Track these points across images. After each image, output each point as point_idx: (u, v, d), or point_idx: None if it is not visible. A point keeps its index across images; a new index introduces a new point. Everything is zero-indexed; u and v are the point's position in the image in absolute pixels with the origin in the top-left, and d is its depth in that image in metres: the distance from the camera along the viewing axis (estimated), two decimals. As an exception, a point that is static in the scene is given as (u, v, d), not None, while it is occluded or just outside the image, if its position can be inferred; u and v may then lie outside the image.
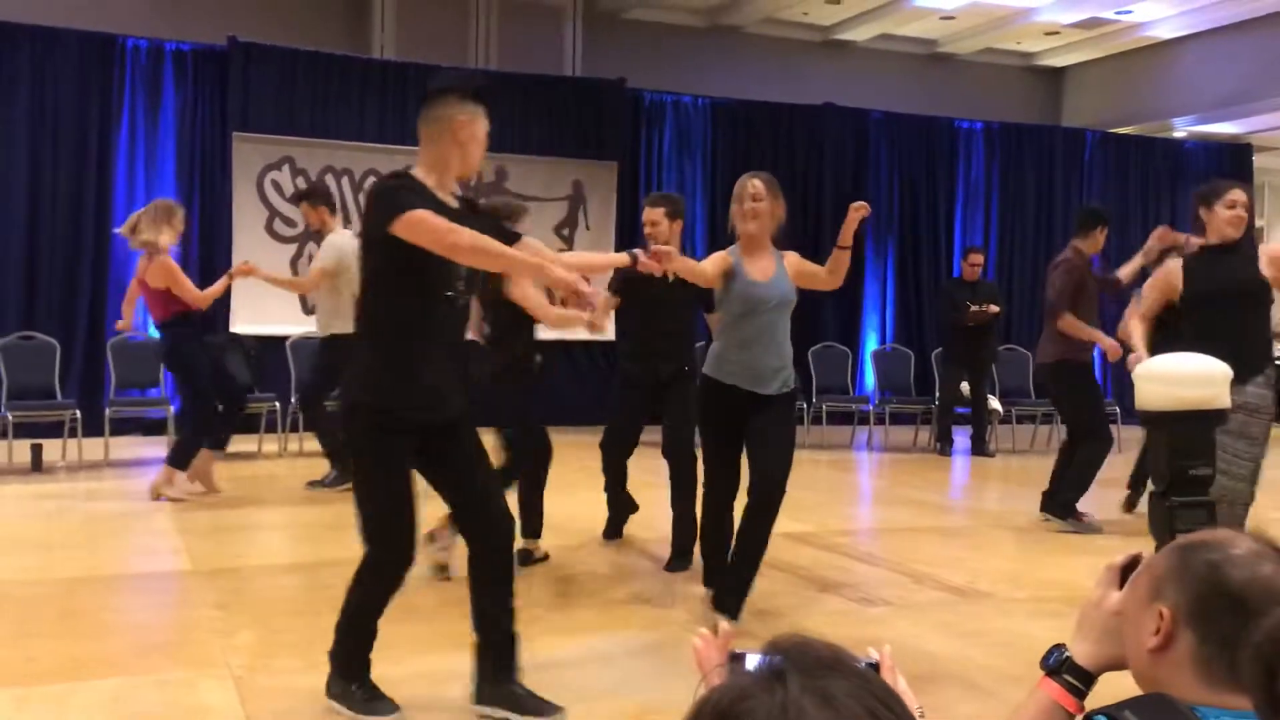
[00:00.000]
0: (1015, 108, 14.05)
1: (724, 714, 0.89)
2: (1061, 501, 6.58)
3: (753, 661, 1.10)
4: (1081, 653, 1.66)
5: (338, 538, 5.63)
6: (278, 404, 9.15)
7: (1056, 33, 13.16)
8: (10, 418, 8.05)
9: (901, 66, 13.64)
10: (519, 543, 5.11)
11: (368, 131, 10.70)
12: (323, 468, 7.25)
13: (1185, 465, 4.20)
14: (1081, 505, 6.58)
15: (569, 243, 11.46)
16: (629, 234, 11.51)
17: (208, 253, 10.19)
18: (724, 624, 1.19)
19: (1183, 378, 4.21)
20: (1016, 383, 11.05)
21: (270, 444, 9.07)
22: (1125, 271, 6.78)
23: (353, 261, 6.15)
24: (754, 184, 4.39)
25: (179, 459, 6.83)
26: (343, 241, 7.08)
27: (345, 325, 6.05)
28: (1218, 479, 4.31)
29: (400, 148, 10.85)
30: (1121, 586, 1.60)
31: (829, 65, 13.22)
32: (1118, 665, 1.57)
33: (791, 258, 4.52)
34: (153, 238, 6.67)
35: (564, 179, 11.46)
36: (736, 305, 4.31)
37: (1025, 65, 14.37)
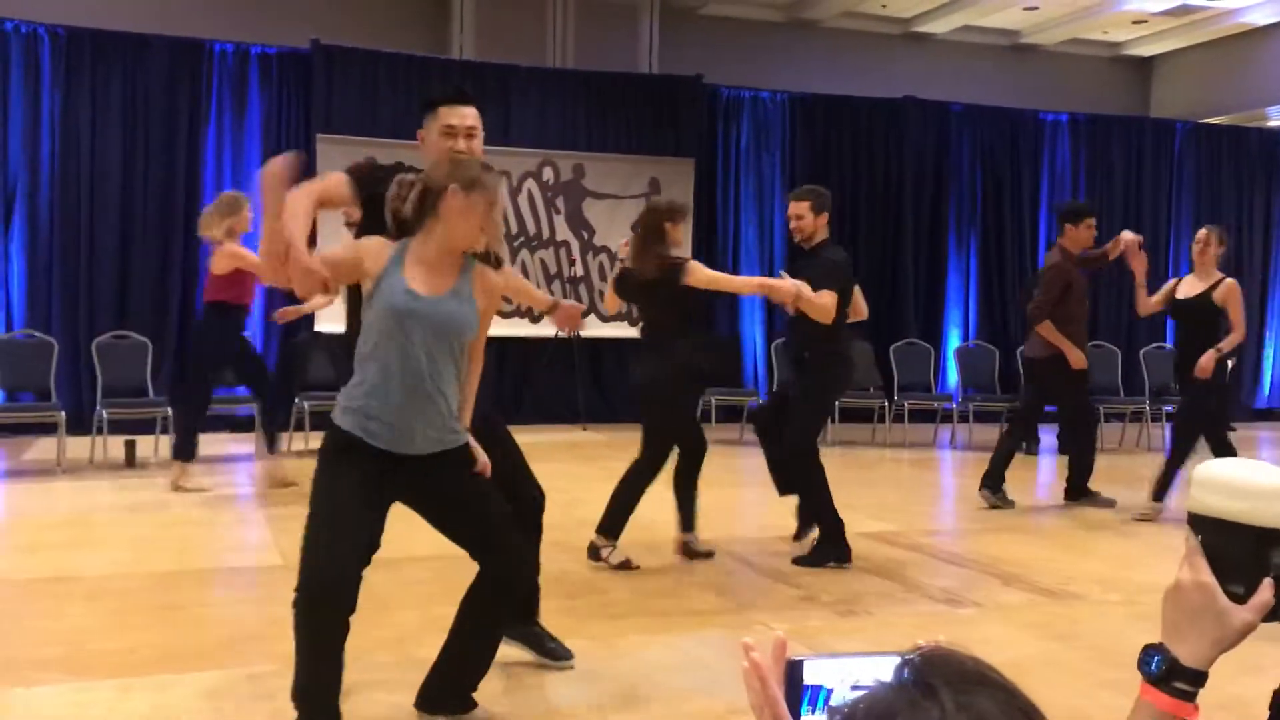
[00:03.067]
0: (1102, 99, 13.73)
1: None
2: (1079, 488, 7.13)
3: (868, 671, 1.05)
4: (1186, 653, 1.43)
5: (424, 534, 5.69)
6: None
7: (1144, 21, 12.84)
8: (105, 415, 8.28)
9: (983, 58, 13.41)
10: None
11: (448, 132, 10.79)
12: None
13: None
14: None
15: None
16: (706, 231, 11.49)
17: (293, 253, 10.36)
18: (777, 632, 1.10)
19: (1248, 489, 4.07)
20: (1104, 380, 10.81)
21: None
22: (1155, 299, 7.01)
23: None
24: None
25: (179, 450, 7.18)
26: None
27: None
28: None
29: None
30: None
31: (909, 58, 13.04)
32: (1227, 647, 1.38)
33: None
34: (207, 231, 6.99)
35: (641, 176, 11.46)
36: None
37: (1112, 55, 14.04)
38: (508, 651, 3.59)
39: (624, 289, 5.35)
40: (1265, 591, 1.22)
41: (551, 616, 4.08)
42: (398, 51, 10.77)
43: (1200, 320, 6.64)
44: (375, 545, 3.03)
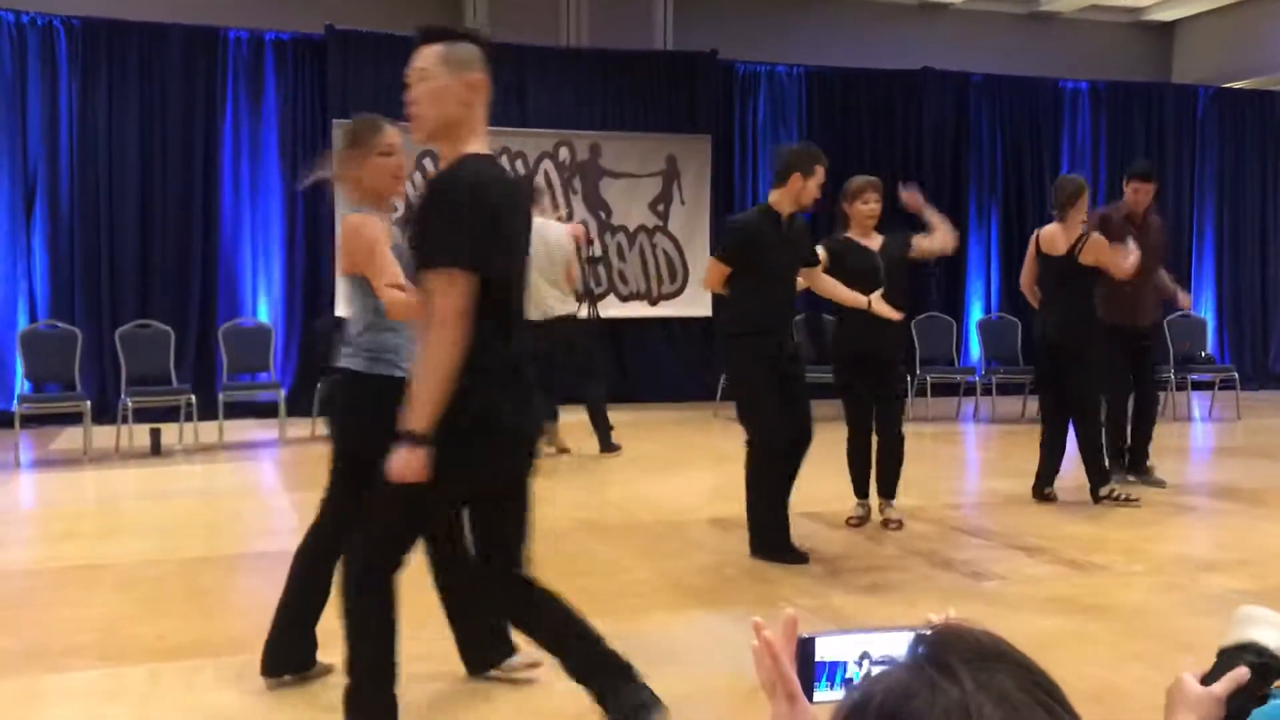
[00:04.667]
0: (1122, 65, 13.58)
1: (891, 717, 0.78)
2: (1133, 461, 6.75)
3: (873, 651, 1.04)
4: None
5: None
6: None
7: (1165, -15, 12.69)
8: (130, 403, 8.34)
9: (1002, 27, 13.29)
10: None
11: (464, 114, 10.80)
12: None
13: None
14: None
15: (664, 218, 11.44)
16: (724, 208, 11.45)
17: (312, 237, 10.41)
18: (787, 610, 1.09)
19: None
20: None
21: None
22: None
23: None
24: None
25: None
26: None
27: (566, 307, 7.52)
28: None
29: (496, 129, 10.94)
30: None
31: (926, 29, 12.94)
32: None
33: None
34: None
35: (658, 154, 11.42)
36: None
37: (1132, 21, 13.88)
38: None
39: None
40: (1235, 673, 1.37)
41: (575, 595, 4.09)
42: (412, 34, 10.72)
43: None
44: None
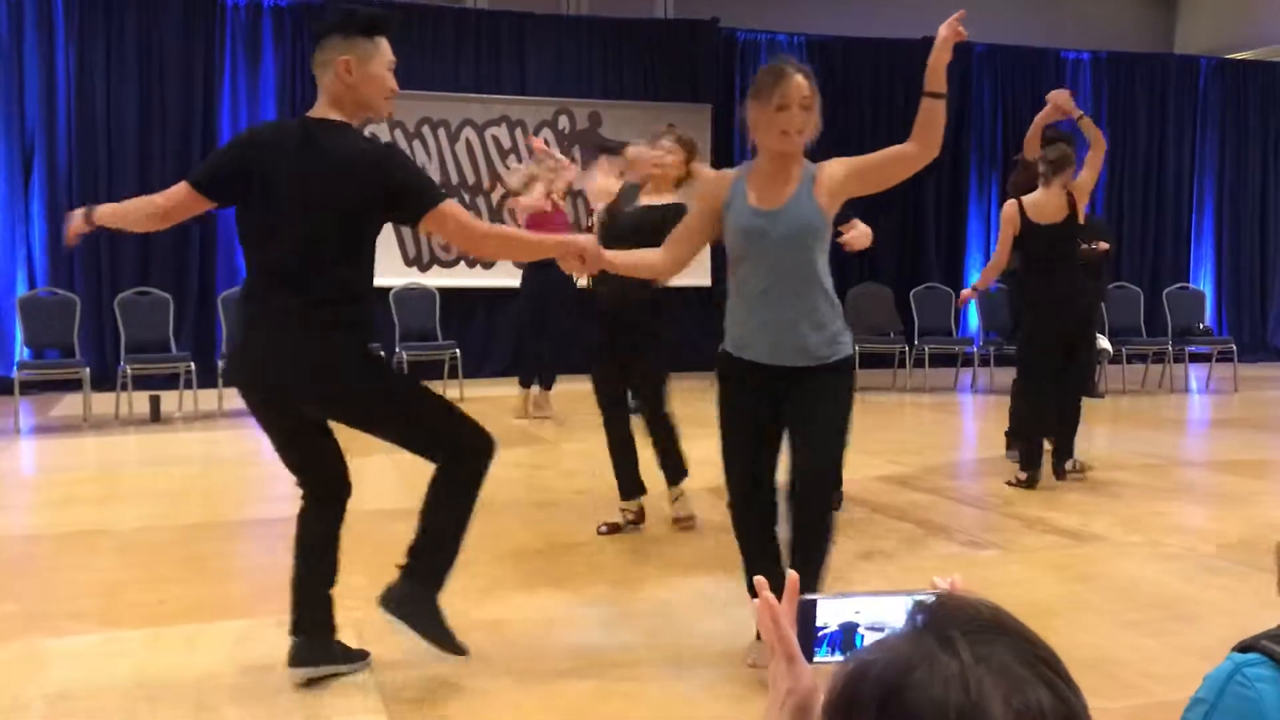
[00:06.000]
0: (1125, 36, 13.51)
1: (891, 688, 0.76)
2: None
3: (866, 614, 1.03)
4: None
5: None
6: (384, 353, 9.33)
7: (1169, -45, 12.60)
8: (129, 370, 8.34)
9: (1004, -3, 13.21)
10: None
11: (463, 82, 10.76)
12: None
13: None
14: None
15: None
16: (725, 177, 11.39)
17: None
18: (790, 572, 1.09)
19: None
20: (1127, 321, 10.74)
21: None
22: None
23: None
24: (800, 83, 3.15)
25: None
26: None
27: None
28: None
29: (496, 97, 10.92)
30: None
31: (928, -2, 12.85)
32: None
33: (832, 167, 3.23)
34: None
35: (658, 123, 11.28)
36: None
37: (1135, -10, 13.80)
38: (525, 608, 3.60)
39: None
40: None
41: (578, 564, 4.12)
42: (412, 2, 10.68)
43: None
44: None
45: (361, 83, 2.96)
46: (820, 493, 3.22)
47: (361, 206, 2.95)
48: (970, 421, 9.15)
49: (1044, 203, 5.94)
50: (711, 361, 3.38)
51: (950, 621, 0.80)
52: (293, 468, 3.23)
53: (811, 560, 3.15)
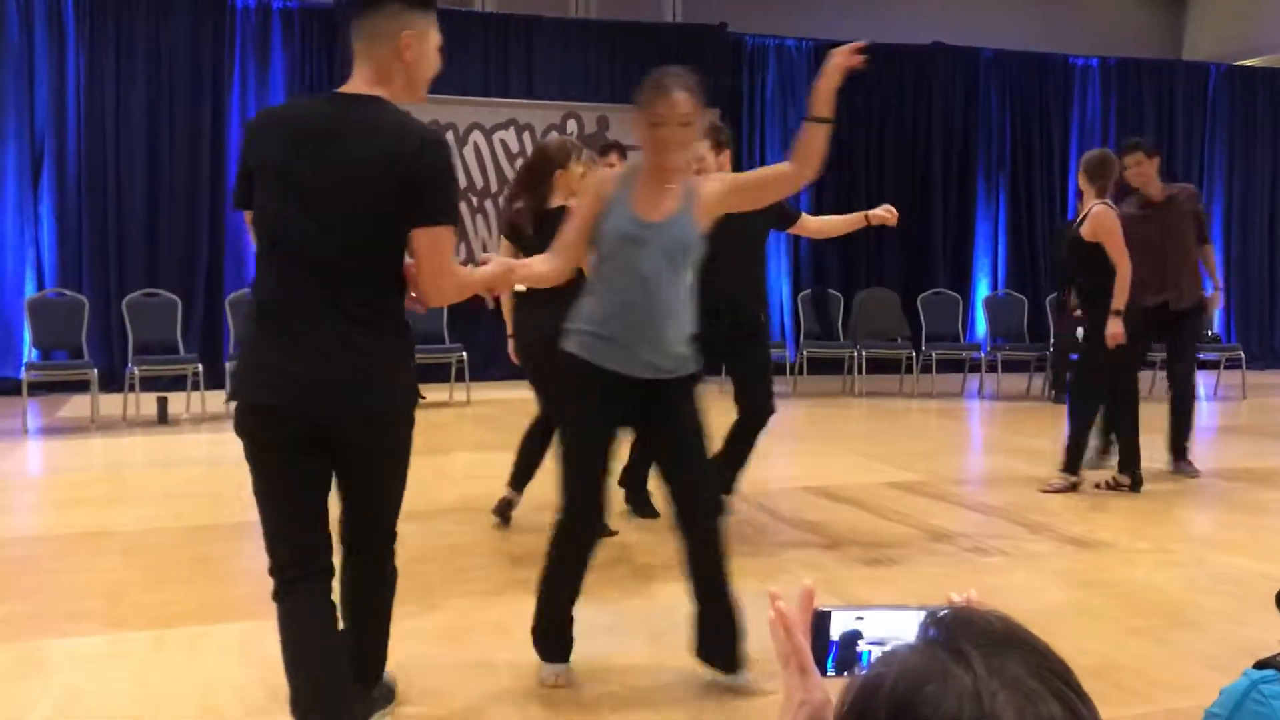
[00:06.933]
0: (1133, 41, 13.49)
1: (903, 702, 0.75)
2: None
3: (870, 624, 1.03)
4: None
5: (455, 488, 5.74)
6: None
7: (1178, -39, 12.58)
8: (137, 372, 8.36)
9: (1013, 2, 13.20)
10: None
11: (471, 85, 10.76)
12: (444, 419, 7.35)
13: None
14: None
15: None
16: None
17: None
18: (805, 581, 1.09)
19: None
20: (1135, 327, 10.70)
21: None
22: None
23: None
24: (679, 99, 3.11)
25: None
26: None
27: None
28: None
29: (504, 100, 10.93)
30: None
31: (937, 3, 12.85)
32: None
33: (711, 185, 3.22)
34: None
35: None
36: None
37: (1144, -4, 13.79)
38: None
39: None
40: None
41: (523, 582, 4.08)
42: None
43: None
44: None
45: (420, 60, 2.59)
46: (707, 499, 3.19)
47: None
48: (978, 427, 9.13)
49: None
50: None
51: (962, 634, 0.79)
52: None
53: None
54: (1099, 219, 5.67)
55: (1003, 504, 5.68)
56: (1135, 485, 5.88)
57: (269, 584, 2.57)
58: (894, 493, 5.90)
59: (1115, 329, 5.59)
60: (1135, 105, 13.01)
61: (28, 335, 8.87)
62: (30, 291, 9.52)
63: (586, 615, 3.36)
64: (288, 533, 2.56)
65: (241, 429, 2.56)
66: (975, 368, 10.77)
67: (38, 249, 9.87)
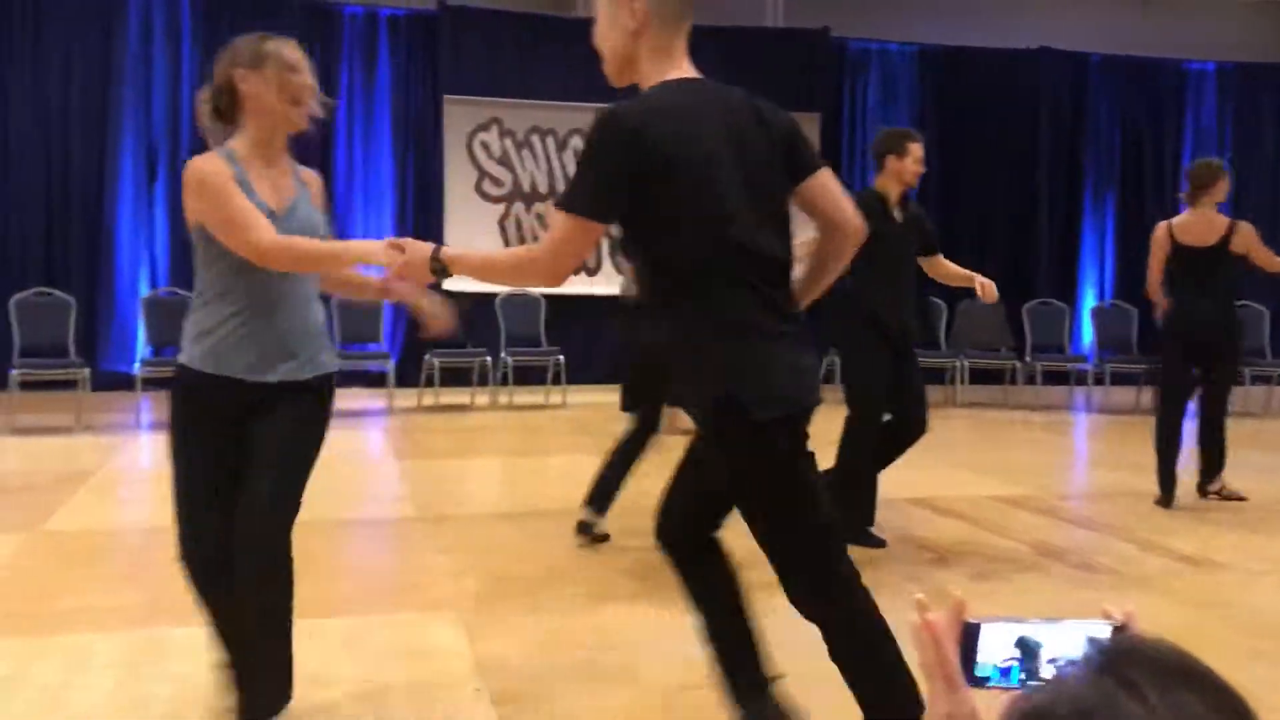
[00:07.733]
0: (1250, 46, 13.03)
1: None
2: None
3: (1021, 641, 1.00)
4: None
5: (545, 489, 5.77)
6: (489, 358, 9.47)
7: (1300, -39, 12.15)
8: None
9: (1123, 5, 12.86)
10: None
11: (572, 90, 10.82)
12: (540, 419, 7.41)
13: None
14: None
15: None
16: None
17: (422, 213, 10.58)
18: (955, 592, 1.06)
19: None
20: (1250, 342, 10.36)
21: (482, 396, 9.46)
22: None
23: None
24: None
25: None
26: None
27: None
28: None
29: (606, 106, 10.97)
30: None
31: (1044, 6, 12.58)
32: None
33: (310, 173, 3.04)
34: None
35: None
36: None
37: (1261, -1, 13.33)
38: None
39: None
40: None
41: (623, 588, 4.07)
42: (521, 11, 10.82)
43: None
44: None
45: None
46: (278, 519, 2.89)
47: None
48: (1084, 441, 8.91)
49: (1191, 224, 5.77)
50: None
51: (1133, 664, 0.74)
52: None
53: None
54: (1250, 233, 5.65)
55: (1111, 520, 5.53)
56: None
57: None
58: (999, 506, 5.78)
59: None
60: (1252, 112, 12.59)
61: (142, 332, 9.16)
62: (145, 290, 9.83)
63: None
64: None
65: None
66: (1081, 380, 10.51)
67: (151, 249, 10.18)
